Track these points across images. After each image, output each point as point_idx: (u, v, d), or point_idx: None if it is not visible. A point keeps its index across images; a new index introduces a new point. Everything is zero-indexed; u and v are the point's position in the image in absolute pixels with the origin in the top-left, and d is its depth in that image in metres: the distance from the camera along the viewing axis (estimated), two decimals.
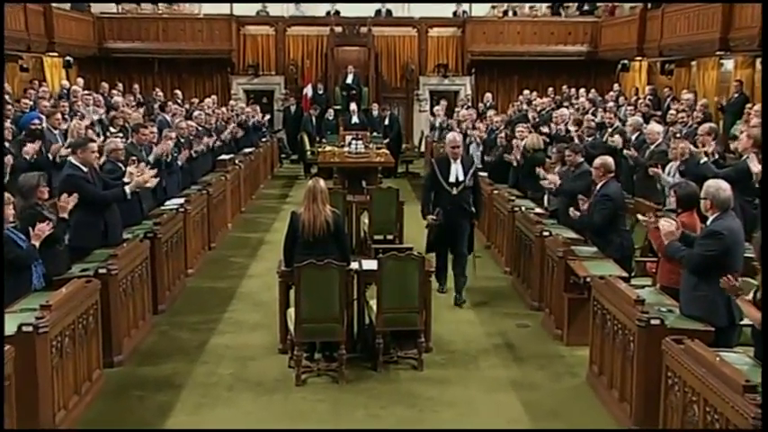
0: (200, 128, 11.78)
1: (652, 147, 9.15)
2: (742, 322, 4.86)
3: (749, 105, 11.37)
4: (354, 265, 6.28)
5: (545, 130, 12.46)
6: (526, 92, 17.56)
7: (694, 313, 4.96)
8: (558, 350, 6.56)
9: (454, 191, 7.46)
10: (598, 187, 6.86)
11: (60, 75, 16.54)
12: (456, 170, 7.49)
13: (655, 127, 9.67)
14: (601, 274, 5.92)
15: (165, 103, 14.46)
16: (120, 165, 7.44)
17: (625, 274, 6.13)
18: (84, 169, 6.63)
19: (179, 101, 15.61)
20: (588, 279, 6.05)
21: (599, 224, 6.73)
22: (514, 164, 9.78)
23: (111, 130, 10.66)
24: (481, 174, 11.19)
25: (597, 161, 6.92)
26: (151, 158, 8.59)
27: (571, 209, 6.98)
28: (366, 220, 9.51)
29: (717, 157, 8.41)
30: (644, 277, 6.91)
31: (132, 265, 6.51)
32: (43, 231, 5.44)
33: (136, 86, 17.11)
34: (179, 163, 9.64)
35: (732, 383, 3.73)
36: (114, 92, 15.06)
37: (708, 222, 5.03)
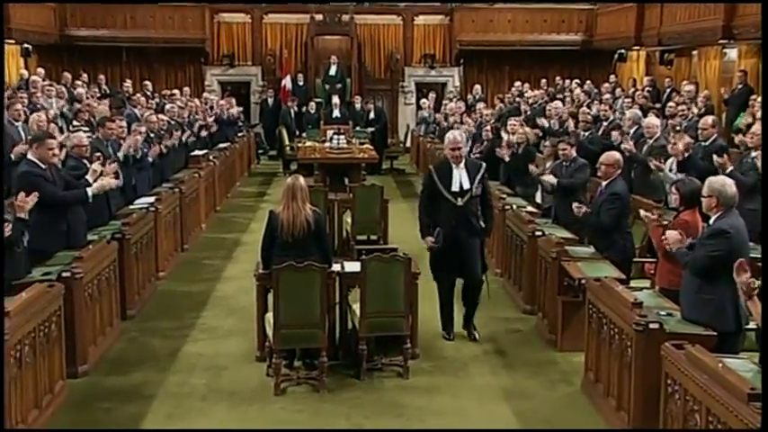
0: (171, 122, 11.73)
1: (650, 141, 9.19)
2: (748, 326, 4.87)
3: (753, 97, 11.43)
4: (336, 267, 6.27)
5: (538, 123, 12.51)
6: (518, 83, 17.61)
7: (699, 318, 4.94)
8: (552, 356, 6.57)
9: (459, 201, 6.59)
10: (604, 184, 6.87)
11: (18, 64, 16.36)
12: (459, 177, 6.62)
13: (653, 120, 9.71)
14: (596, 276, 5.93)
15: (133, 96, 14.36)
16: (85, 161, 7.38)
17: (622, 276, 6.15)
18: (43, 166, 6.51)
19: (149, 93, 15.52)
20: (583, 281, 6.06)
21: (608, 224, 6.73)
22: (506, 159, 9.77)
23: (75, 123, 10.57)
24: None
25: (609, 157, 6.93)
26: (120, 154, 8.53)
27: (575, 204, 6.98)
28: (349, 220, 9.51)
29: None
30: (642, 279, 6.94)
31: (99, 267, 6.45)
32: None
33: (101, 77, 16.97)
34: (149, 159, 9.58)
35: (736, 391, 3.74)
36: (78, 83, 14.94)
37: (711, 221, 5.03)
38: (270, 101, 18.81)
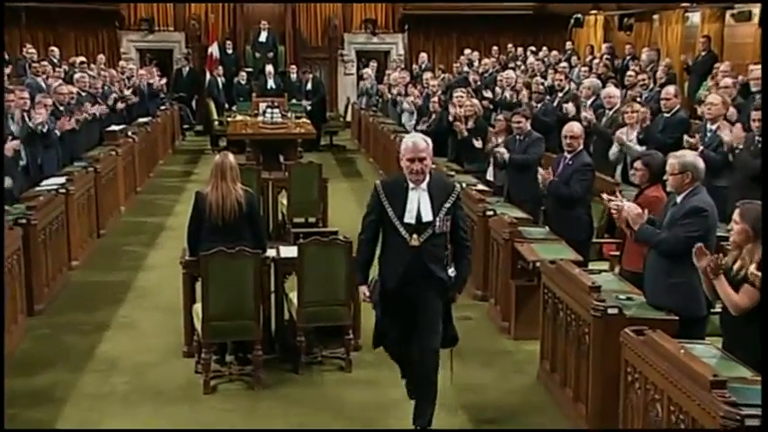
0: (83, 93, 11.50)
1: (610, 112, 9.34)
2: (714, 310, 4.99)
3: (717, 65, 11.70)
4: (271, 253, 6.24)
5: (488, 94, 12.61)
6: (468, 51, 17.70)
7: (669, 303, 4.99)
8: (505, 345, 6.67)
9: (414, 240, 4.91)
10: (569, 156, 6.99)
11: None
12: (417, 203, 4.93)
13: (612, 90, 9.88)
14: (552, 258, 6.01)
15: (35, 63, 13.93)
16: None
17: (579, 258, 6.25)
18: None
19: (55, 60, 15.12)
20: (538, 264, 6.15)
21: (580, 195, 6.86)
22: (465, 134, 9.74)
23: None
24: None
25: (574, 129, 7.05)
26: (14, 128, 8.27)
27: (540, 170, 7.07)
28: (284, 201, 9.47)
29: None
30: (600, 261, 7.06)
31: None
32: None
33: None
34: (57, 134, 9.36)
35: (699, 379, 3.83)
36: None
37: (679, 198, 5.11)
38: (184, 71, 18.51)
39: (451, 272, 5.07)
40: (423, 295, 4.98)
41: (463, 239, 5.14)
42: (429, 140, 5.03)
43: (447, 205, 4.96)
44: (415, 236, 4.92)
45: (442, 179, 5.26)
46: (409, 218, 4.93)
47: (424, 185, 4.95)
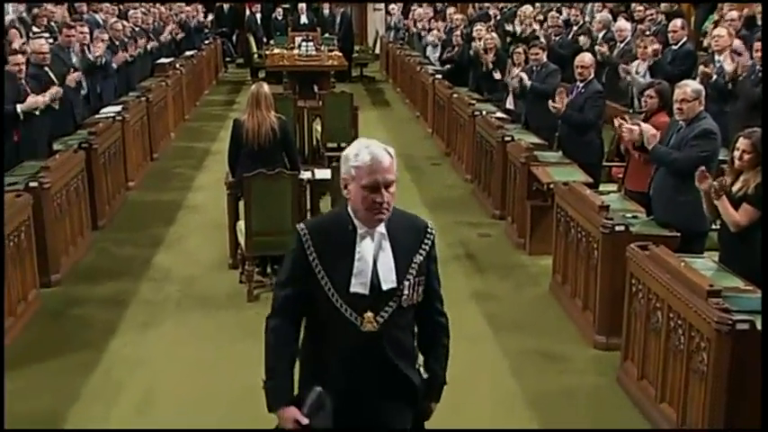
0: (136, 28, 11.43)
1: (621, 45, 9.15)
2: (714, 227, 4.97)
3: None
4: (307, 175, 6.25)
5: (508, 28, 12.35)
6: None
7: (676, 220, 4.98)
8: (521, 260, 6.68)
9: (368, 323, 2.65)
10: (581, 85, 6.87)
11: None
12: (373, 257, 2.67)
13: (623, 24, 9.66)
14: (565, 180, 5.97)
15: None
16: (47, 69, 7.18)
17: (590, 180, 6.20)
18: None
19: None
20: (551, 186, 6.12)
21: (592, 120, 6.78)
22: (490, 66, 9.58)
23: (35, 30, 10.21)
24: (438, 77, 11.14)
25: (585, 59, 6.93)
26: (76, 61, 8.27)
27: (550, 102, 6.96)
28: (318, 128, 9.45)
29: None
30: (609, 183, 7.01)
31: (66, 178, 6.37)
32: None
33: None
34: (114, 66, 9.34)
35: (696, 288, 3.84)
36: None
37: (685, 123, 5.05)
38: (225, 7, 18.27)
39: (421, 369, 2.83)
40: (383, 414, 2.73)
41: (439, 313, 2.89)
42: (392, 152, 2.64)
43: (419, 258, 2.75)
44: (369, 315, 2.65)
45: (403, 214, 2.81)
46: (359, 285, 2.64)
47: (381, 228, 2.68)
